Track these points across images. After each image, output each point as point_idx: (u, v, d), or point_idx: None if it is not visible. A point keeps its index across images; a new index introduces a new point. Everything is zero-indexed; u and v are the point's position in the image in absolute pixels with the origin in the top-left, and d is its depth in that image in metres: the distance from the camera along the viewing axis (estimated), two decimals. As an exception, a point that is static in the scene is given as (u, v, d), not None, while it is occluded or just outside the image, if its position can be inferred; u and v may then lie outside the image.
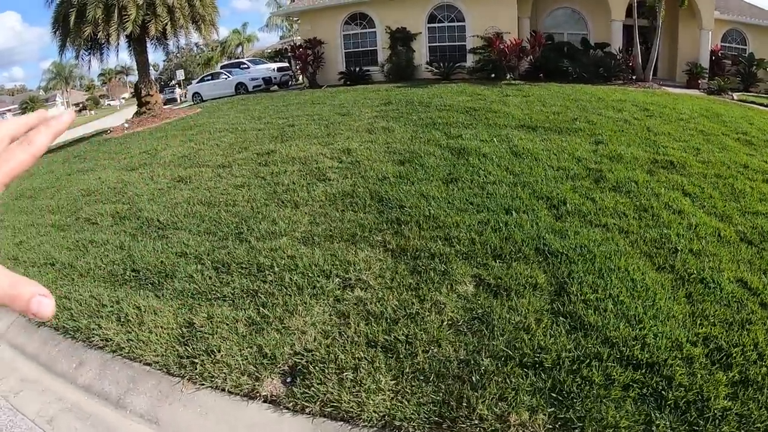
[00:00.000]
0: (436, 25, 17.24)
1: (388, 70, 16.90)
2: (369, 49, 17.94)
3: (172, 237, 4.39)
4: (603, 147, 6.84)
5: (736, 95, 14.67)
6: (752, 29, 19.04)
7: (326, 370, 2.46)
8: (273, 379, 2.53)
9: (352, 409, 2.28)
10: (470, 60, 16.37)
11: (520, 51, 14.70)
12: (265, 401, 2.46)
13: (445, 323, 2.84)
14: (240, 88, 19.15)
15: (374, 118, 8.87)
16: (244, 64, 22.56)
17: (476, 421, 2.20)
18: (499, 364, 2.52)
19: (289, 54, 21.86)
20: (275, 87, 19.97)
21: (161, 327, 3.07)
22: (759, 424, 2.30)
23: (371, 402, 2.29)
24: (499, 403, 2.29)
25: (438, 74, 15.93)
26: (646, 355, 2.67)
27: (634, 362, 2.63)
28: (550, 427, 2.24)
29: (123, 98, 53.40)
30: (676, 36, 17.84)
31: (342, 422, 2.27)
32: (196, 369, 2.66)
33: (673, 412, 2.38)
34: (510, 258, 3.61)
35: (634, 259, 3.73)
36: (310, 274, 3.37)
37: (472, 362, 2.53)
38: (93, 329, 3.14)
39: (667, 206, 4.88)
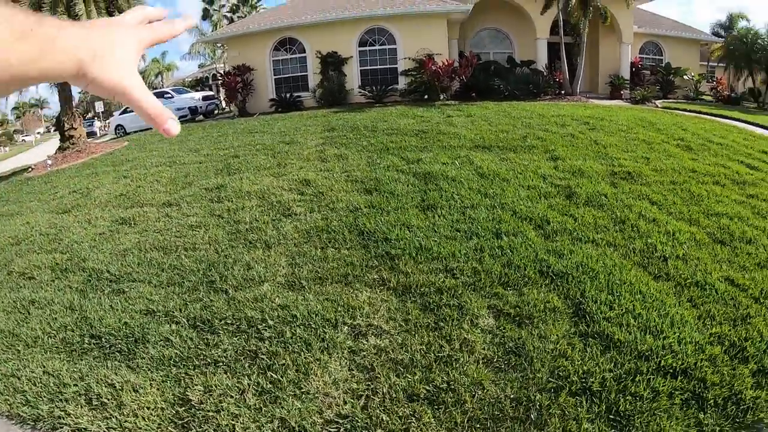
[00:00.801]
0: (367, 48, 18.21)
1: (320, 95, 17.69)
2: (300, 74, 18.72)
3: (131, 291, 4.16)
4: (562, 163, 7.57)
5: (659, 103, 16.86)
6: (667, 40, 22.28)
7: None
8: None
9: None
10: (402, 82, 17.48)
11: (452, 71, 15.87)
12: None
13: (480, 362, 3.01)
14: None
15: (322, 146, 9.09)
16: (168, 93, 22.55)
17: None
18: (552, 396, 2.73)
19: (212, 82, 22.14)
20: (200, 117, 20.66)
21: (148, 409, 2.86)
22: (764, 412, 2.74)
23: None
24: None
25: (371, 98, 16.90)
26: (678, 362, 3.04)
27: (670, 371, 2.98)
28: (619, 448, 2.48)
29: (38, 133, 54.03)
30: (597, 50, 20.29)
31: None
32: None
33: (715, 410, 2.74)
34: (519, 284, 3.90)
35: (633, 272, 4.20)
36: (312, 325, 3.37)
37: (524, 399, 2.71)
38: (59, 417, 2.84)
39: (641, 216, 5.53)
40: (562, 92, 17.87)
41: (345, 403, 2.74)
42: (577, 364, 2.99)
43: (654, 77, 19.86)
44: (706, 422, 2.67)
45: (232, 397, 2.83)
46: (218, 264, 4.49)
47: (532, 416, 2.59)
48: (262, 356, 3.14)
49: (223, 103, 22.92)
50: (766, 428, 2.72)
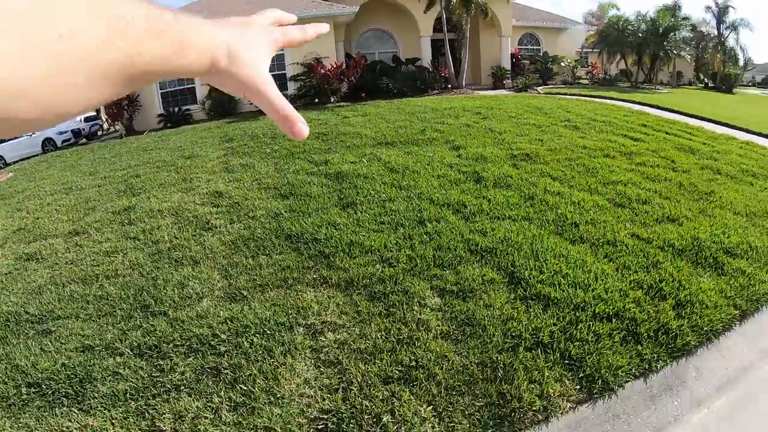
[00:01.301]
0: None
1: (209, 106, 17.76)
2: (187, 86, 18.66)
3: (59, 330, 3.84)
4: (464, 151, 8.22)
5: (540, 89, 18.75)
6: (544, 31, 25.02)
7: (362, 424, 2.64)
8: None
9: None
10: (292, 88, 17.84)
11: (341, 74, 16.43)
12: None
13: (439, 337, 3.27)
14: (47, 144, 19.00)
15: (224, 157, 8.97)
16: None
17: (527, 408, 2.70)
18: (511, 354, 3.08)
19: None
20: (83, 140, 20.28)
21: None
22: (705, 327, 3.36)
23: (437, 427, 2.59)
24: (534, 386, 2.84)
25: None
26: (610, 308, 3.57)
27: (605, 316, 3.50)
28: (578, 386, 2.88)
29: None
30: (478, 44, 22.11)
31: None
32: None
33: (649, 341, 3.29)
34: (453, 263, 4.26)
35: (552, 239, 4.77)
36: (268, 332, 3.40)
37: (488, 361, 3.02)
38: None
39: (547, 191, 6.23)
40: (449, 86, 19.20)
41: (323, 399, 2.83)
42: (525, 323, 3.38)
43: (533, 66, 22.20)
44: (644, 352, 3.19)
45: (206, 417, 2.77)
46: (148, 287, 4.32)
47: (499, 374, 2.90)
48: (226, 371, 3.11)
49: (105, 124, 22.20)
50: (693, 350, 3.31)
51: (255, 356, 3.17)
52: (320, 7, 18.27)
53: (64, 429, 2.76)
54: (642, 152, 8.61)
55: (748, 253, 4.76)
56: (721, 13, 31.31)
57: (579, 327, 3.35)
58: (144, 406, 2.90)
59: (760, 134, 11.73)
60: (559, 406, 2.81)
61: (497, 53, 22.45)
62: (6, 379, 3.42)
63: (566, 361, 3.07)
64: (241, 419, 2.72)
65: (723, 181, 7.28)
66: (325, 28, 0.68)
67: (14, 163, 17.90)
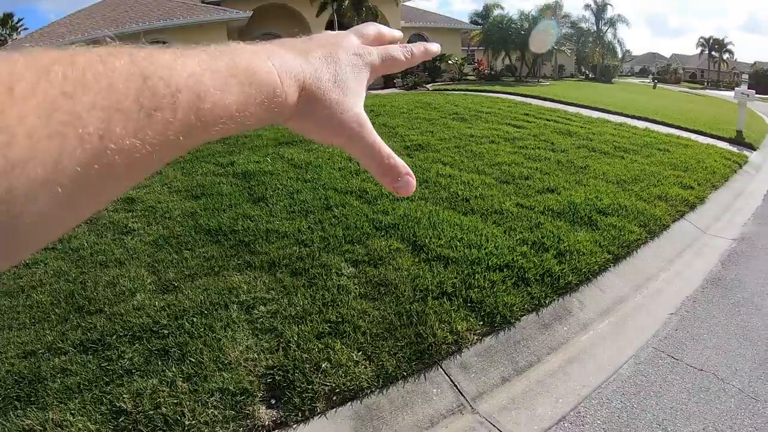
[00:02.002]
0: None
1: None
2: None
3: (35, 332, 3.92)
4: (362, 145, 8.87)
5: (429, 87, 20.08)
6: (432, 31, 26.91)
7: (305, 372, 3.10)
8: (260, 408, 2.98)
9: (347, 388, 3.03)
10: None
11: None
12: (269, 431, 2.90)
13: (359, 297, 3.81)
14: None
15: None
16: None
17: (441, 342, 3.33)
18: (421, 304, 3.71)
19: None
20: None
21: None
22: (583, 269, 4.23)
23: (361, 372, 3.11)
24: (444, 325, 3.48)
25: None
26: (501, 260, 4.35)
27: (497, 267, 4.26)
28: (481, 323, 3.58)
29: None
30: (367, 45, 23.27)
31: (349, 402, 3.01)
32: None
33: (537, 283, 4.09)
34: (362, 239, 4.84)
35: (447, 213, 5.53)
36: (204, 312, 3.72)
37: (403, 311, 3.62)
38: None
39: (439, 174, 7.04)
40: (340, 87, 19.97)
41: (266, 359, 3.25)
42: (430, 279, 4.03)
43: (422, 65, 23.54)
44: (534, 292, 3.98)
45: (163, 391, 3.06)
46: (78, 291, 4.43)
47: (414, 320, 3.52)
48: (173, 350, 3.41)
49: None
50: (576, 287, 4.17)
51: (198, 333, 3.52)
52: (214, 13, 18.40)
53: (26, 427, 2.94)
54: (524, 137, 9.82)
55: (618, 211, 5.84)
56: (599, 11, 35.42)
57: (476, 278, 4.07)
58: (100, 394, 3.14)
59: (632, 116, 13.67)
60: (468, 339, 3.48)
61: (386, 53, 23.71)
62: None
63: (468, 305, 3.75)
64: (196, 387, 3.07)
65: (597, 157, 8.57)
66: (436, 48, 0.58)
67: None
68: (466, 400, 3.15)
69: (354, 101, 0.44)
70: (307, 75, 0.41)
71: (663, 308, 4.42)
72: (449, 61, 24.94)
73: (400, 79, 22.76)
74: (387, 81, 22.91)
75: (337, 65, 0.44)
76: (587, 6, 36.53)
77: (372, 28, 0.52)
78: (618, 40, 36.27)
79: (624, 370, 3.54)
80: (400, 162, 0.46)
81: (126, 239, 5.53)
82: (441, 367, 3.31)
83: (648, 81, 41.86)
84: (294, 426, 2.88)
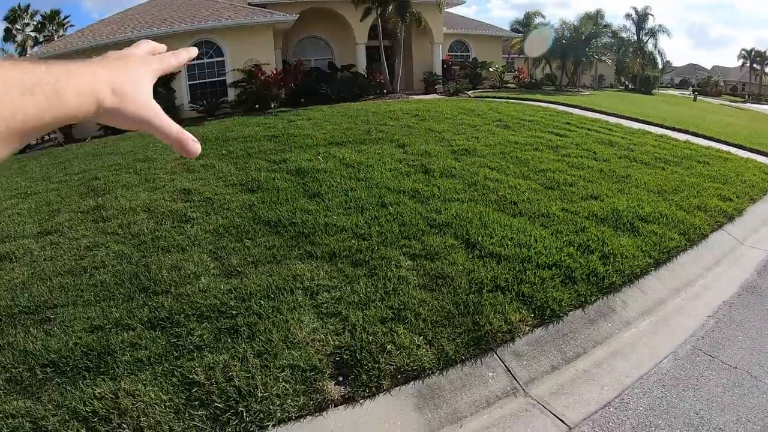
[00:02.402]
0: (195, 62, 18.58)
1: None
2: None
3: (58, 317, 4.08)
4: (409, 148, 9.16)
5: (470, 93, 20.20)
6: (473, 38, 26.87)
7: (372, 352, 3.36)
8: (328, 384, 3.20)
9: (410, 368, 3.28)
10: (232, 94, 18.38)
11: (281, 80, 17.12)
12: (337, 405, 3.12)
13: (418, 288, 4.09)
14: None
15: (181, 159, 9.32)
16: None
17: (496, 331, 3.59)
18: (478, 296, 3.96)
19: None
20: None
21: (156, 405, 3.05)
22: (626, 271, 4.42)
23: (423, 355, 3.37)
24: (499, 315, 3.73)
25: (203, 111, 17.67)
26: (549, 260, 4.56)
27: (546, 266, 4.47)
28: (533, 315, 3.82)
29: None
30: (411, 51, 23.48)
31: (412, 381, 3.27)
32: (247, 415, 2.99)
33: (583, 282, 4.29)
34: (417, 235, 5.11)
35: (496, 214, 5.75)
36: (271, 295, 4.03)
37: (461, 302, 3.88)
38: None
39: (487, 178, 7.26)
40: (385, 91, 20.28)
41: (333, 340, 3.51)
42: (483, 273, 4.28)
43: (463, 71, 23.84)
44: (580, 290, 4.19)
45: (235, 366, 3.30)
46: (141, 273, 4.75)
47: (470, 310, 3.77)
48: (242, 329, 3.68)
49: None
50: (619, 288, 4.36)
51: (266, 314, 3.81)
52: (261, 15, 18.93)
53: (97, 395, 3.20)
54: (567, 146, 9.93)
55: (659, 219, 5.96)
56: (640, 21, 34.85)
57: (527, 274, 4.30)
58: (170, 367, 3.40)
59: (673, 128, 13.56)
60: (520, 329, 3.72)
61: (429, 59, 23.96)
62: (15, 364, 3.74)
63: (521, 298, 3.99)
64: (266, 363, 3.32)
65: (638, 167, 8.64)
66: (194, 52, 0.76)
67: None
68: (519, 384, 3.39)
69: (148, 96, 0.60)
70: (115, 81, 0.56)
71: (701, 311, 4.55)
72: (490, 69, 25.01)
73: (441, 85, 22.95)
74: (428, 87, 23.15)
75: (132, 71, 0.60)
76: (628, 15, 35.99)
77: (146, 45, 0.68)
78: (659, 51, 35.62)
79: (664, 365, 3.71)
80: (186, 134, 0.64)
81: (185, 227, 5.86)
82: (496, 354, 3.56)
83: (688, 93, 40.99)
84: (361, 401, 3.12)
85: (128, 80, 0.59)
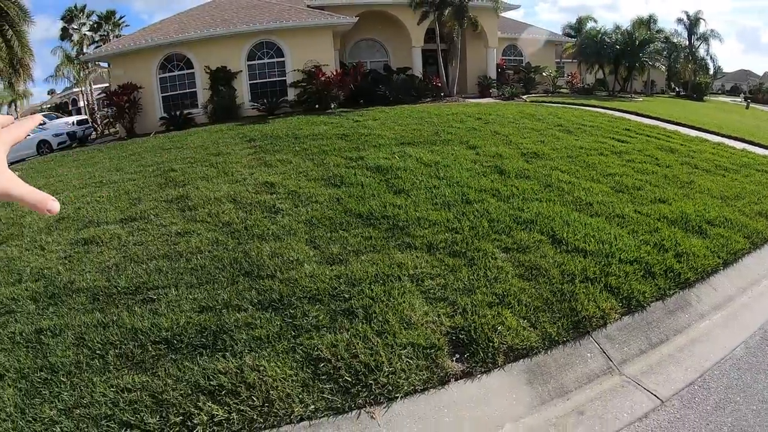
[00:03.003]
0: (256, 62, 19.39)
1: (211, 111, 18.65)
2: (188, 90, 19.58)
3: (162, 298, 4.41)
4: (480, 150, 9.56)
5: (526, 98, 20.33)
6: (527, 43, 26.93)
7: (486, 331, 3.77)
8: (447, 360, 3.57)
9: (520, 347, 3.71)
10: (292, 94, 18.91)
11: (341, 81, 17.66)
12: (457, 380, 3.50)
13: (516, 277, 4.55)
14: (43, 146, 19.42)
15: (255, 154, 9.94)
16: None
17: (591, 316, 4.02)
18: (572, 285, 4.39)
19: (72, 107, 22.20)
20: (76, 143, 20.76)
21: (283, 380, 3.43)
22: (699, 269, 4.77)
23: (529, 336, 3.82)
24: (592, 303, 4.16)
25: (264, 110, 18.19)
26: (630, 256, 4.94)
27: (628, 261, 4.85)
28: (620, 304, 4.23)
29: None
30: (465, 55, 23.70)
31: (521, 359, 3.70)
32: (376, 387, 3.30)
33: (661, 277, 4.65)
34: (506, 230, 5.55)
35: (576, 214, 6.12)
36: (380, 281, 4.40)
37: (557, 290, 4.32)
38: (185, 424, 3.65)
39: (560, 180, 7.60)
40: (442, 94, 20.62)
41: (446, 321, 3.94)
42: (573, 266, 4.69)
43: (517, 76, 23.90)
44: (660, 284, 4.56)
45: (357, 344, 3.62)
46: (241, 259, 5.09)
47: (567, 297, 4.21)
48: (358, 311, 4.05)
49: (99, 128, 23.47)
50: (693, 284, 4.70)
51: (378, 298, 4.20)
52: (321, 17, 19.55)
53: (221, 370, 3.45)
54: (630, 152, 10.13)
55: (725, 223, 6.20)
56: (692, 25, 33.92)
57: (612, 268, 4.69)
58: (290, 345, 3.69)
59: (729, 137, 13.47)
60: (611, 316, 4.12)
61: (483, 63, 24.18)
62: (124, 341, 3.87)
63: (608, 289, 4.39)
64: (387, 341, 3.67)
65: (700, 173, 8.80)
66: (38, 119, 0.84)
67: (11, 164, 18.38)
68: (614, 364, 3.81)
69: (2, 168, 0.66)
70: None
71: (767, 307, 4.85)
72: (543, 73, 25.02)
73: (495, 89, 23.13)
74: (483, 90, 23.37)
75: None
76: (680, 20, 35.06)
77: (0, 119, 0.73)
78: (711, 56, 34.62)
79: (737, 351, 4.05)
80: (44, 196, 0.69)
81: (276, 217, 6.23)
82: (591, 337, 3.98)
83: (740, 100, 39.59)
84: (478, 376, 3.53)
85: None
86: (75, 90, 38.42)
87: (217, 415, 3.14)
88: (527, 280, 4.53)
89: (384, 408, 3.23)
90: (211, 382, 3.37)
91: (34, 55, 15.80)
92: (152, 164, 10.49)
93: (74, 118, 24.77)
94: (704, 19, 34.42)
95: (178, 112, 18.60)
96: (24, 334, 4.23)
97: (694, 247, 5.36)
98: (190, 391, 3.33)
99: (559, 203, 6.55)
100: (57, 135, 19.83)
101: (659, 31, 29.16)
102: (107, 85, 34.51)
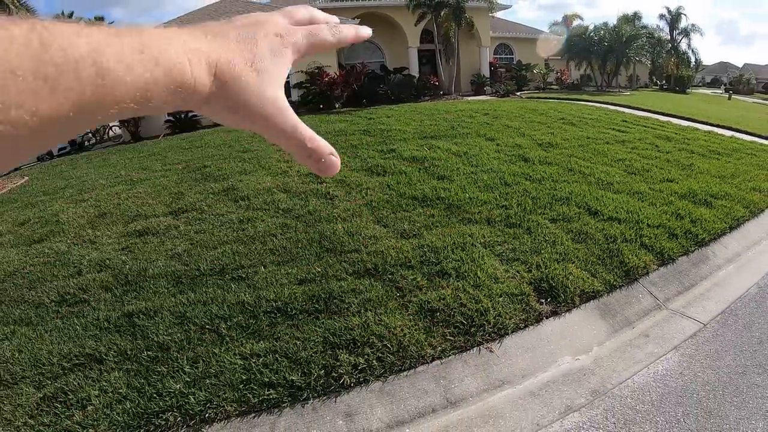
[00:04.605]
0: None
1: None
2: None
3: (253, 276, 4.83)
4: (499, 142, 10.63)
5: (521, 94, 21.52)
6: (517, 41, 28.16)
7: (560, 280, 4.80)
8: (536, 304, 4.64)
9: (589, 291, 4.77)
10: (295, 95, 19.58)
11: (344, 82, 18.59)
12: (548, 317, 4.67)
13: (569, 241, 5.58)
14: (43, 152, 18.57)
15: (282, 153, 10.25)
16: None
17: (636, 267, 5.07)
18: (614, 245, 5.44)
19: None
20: (73, 149, 20.88)
21: (412, 333, 4.72)
22: (711, 231, 5.87)
23: (594, 283, 4.87)
24: (634, 257, 5.21)
25: None
26: (655, 221, 6.00)
27: (654, 225, 5.92)
28: (654, 258, 5.28)
29: None
30: (460, 54, 24.82)
31: (592, 300, 4.75)
32: (489, 327, 4.41)
33: (683, 238, 5.72)
34: (547, 206, 6.59)
35: (602, 191, 7.19)
36: (458, 248, 5.47)
37: (605, 249, 5.37)
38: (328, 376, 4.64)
39: (579, 165, 8.68)
40: (441, 93, 21.70)
41: (525, 275, 4.89)
42: (612, 231, 5.75)
43: (509, 74, 25.11)
44: (682, 243, 5.65)
45: (461, 296, 4.52)
46: (318, 239, 5.77)
47: (614, 254, 5.26)
48: (450, 272, 4.93)
49: (109, 131, 23.94)
50: (708, 243, 5.79)
51: (464, 260, 5.16)
52: (323, 19, 20.46)
53: (347, 326, 4.14)
54: (631, 140, 11.30)
55: (726, 197, 7.34)
56: (674, 20, 35.70)
57: (643, 231, 5.77)
58: (401, 303, 4.44)
59: (718, 125, 14.81)
60: (650, 267, 5.18)
61: (477, 62, 25.42)
62: (233, 314, 4.25)
63: (644, 247, 5.46)
64: (484, 292, 4.58)
65: (697, 158, 9.98)
66: (367, 31, 0.55)
67: (8, 172, 17.51)
68: (660, 302, 4.86)
69: (271, 84, 0.43)
70: (220, 58, 0.40)
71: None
72: (534, 71, 26.32)
73: (489, 87, 24.31)
74: (477, 88, 24.59)
75: (255, 46, 0.43)
76: (662, 16, 36.86)
77: (303, 11, 0.50)
78: (692, 50, 36.47)
79: (752, 290, 5.14)
80: (323, 143, 0.47)
81: (335, 202, 6.90)
82: (639, 282, 5.03)
83: (720, 92, 41.68)
84: (563, 314, 4.48)
85: (247, 60, 0.42)
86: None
87: (359, 363, 3.68)
88: (579, 243, 5.57)
89: (497, 343, 4.10)
90: (343, 338, 3.89)
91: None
92: (179, 162, 10.88)
93: None
94: (685, 14, 36.38)
95: (183, 114, 18.90)
96: (111, 320, 4.45)
97: (704, 215, 6.47)
98: (322, 349, 3.81)
99: (584, 183, 7.62)
100: None
101: (644, 27, 30.80)
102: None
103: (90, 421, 3.31)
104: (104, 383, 3.63)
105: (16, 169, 18.28)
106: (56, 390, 3.61)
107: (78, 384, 3.65)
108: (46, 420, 3.34)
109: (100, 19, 34.42)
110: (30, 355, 4.09)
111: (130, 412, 3.35)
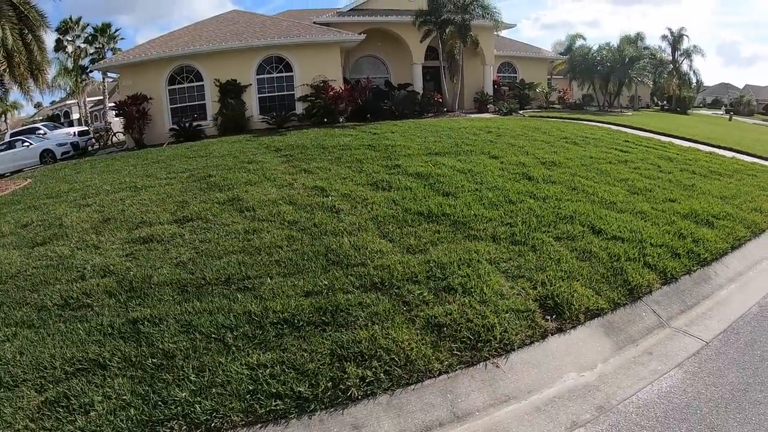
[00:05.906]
0: (265, 76, 20.29)
1: (220, 123, 19.48)
2: (197, 103, 20.29)
3: (259, 287, 4.91)
4: (503, 159, 10.75)
5: (523, 113, 21.75)
6: (520, 60, 28.56)
7: (565, 297, 4.81)
8: (542, 320, 4.64)
9: (593, 309, 4.82)
10: (300, 108, 19.88)
11: (349, 96, 18.79)
12: (553, 334, 4.63)
13: (573, 260, 5.65)
14: (46, 155, 20.12)
15: (287, 163, 10.74)
16: (40, 129, 23.95)
17: (639, 285, 5.15)
18: (618, 264, 5.52)
19: (65, 120, 23.53)
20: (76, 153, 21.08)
21: (420, 347, 4.71)
22: (713, 251, 5.95)
23: (598, 301, 4.95)
24: (638, 276, 5.30)
25: (272, 124, 19.22)
26: (657, 241, 6.10)
27: (656, 245, 6.01)
28: (657, 277, 5.36)
29: None
30: (463, 71, 25.08)
31: (596, 317, 4.81)
32: (495, 343, 4.35)
33: (685, 257, 5.81)
34: (551, 224, 6.67)
35: (605, 210, 7.30)
36: (464, 264, 5.46)
37: (609, 267, 5.45)
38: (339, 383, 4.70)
39: (582, 185, 8.79)
40: (445, 109, 21.93)
41: (531, 292, 4.95)
42: (616, 250, 5.84)
43: (512, 92, 25.38)
44: (684, 262, 5.75)
45: (468, 312, 4.59)
46: (324, 252, 5.80)
47: (617, 272, 5.34)
48: (456, 287, 4.93)
49: (111, 137, 24.50)
50: (710, 263, 5.87)
51: (470, 276, 5.19)
52: (330, 33, 20.77)
53: (355, 339, 4.07)
54: (633, 160, 11.44)
55: (727, 217, 7.44)
56: (675, 42, 36.10)
57: (646, 250, 5.85)
58: (407, 317, 4.44)
59: (719, 147, 14.98)
60: (654, 286, 5.26)
61: (480, 80, 25.72)
62: (240, 324, 4.24)
63: (647, 266, 5.55)
64: (491, 308, 4.60)
65: (699, 178, 10.10)
66: None
67: (10, 174, 18.25)
68: (663, 320, 4.94)
69: None
70: None
71: (769, 280, 6.06)
72: (537, 90, 26.61)
73: (492, 105, 24.54)
74: (480, 106, 24.83)
75: None
76: (664, 37, 37.28)
77: None
78: (693, 71, 36.87)
79: (753, 309, 5.22)
80: None
81: (341, 216, 6.92)
82: (642, 301, 5.11)
83: (721, 113, 42.07)
84: (568, 331, 4.55)
85: None
86: (69, 102, 38.88)
87: (367, 376, 3.72)
88: (583, 261, 5.65)
89: (504, 358, 4.16)
90: (350, 351, 3.92)
91: (50, 63, 16.39)
92: (184, 171, 10.93)
93: (75, 129, 25.83)
94: (687, 35, 36.79)
95: (187, 124, 19.18)
96: (115, 326, 4.45)
97: (706, 235, 6.55)
98: (329, 360, 3.82)
99: (588, 202, 7.72)
100: (61, 145, 20.56)
101: (647, 47, 31.22)
102: (101, 97, 35.24)
103: (93, 427, 3.31)
104: (108, 389, 3.63)
105: (12, 173, 18.83)
106: (58, 394, 3.61)
107: (81, 389, 3.69)
108: (47, 424, 3.36)
109: (107, 26, 34.91)
110: (32, 357, 4.09)
111: (134, 419, 3.34)
